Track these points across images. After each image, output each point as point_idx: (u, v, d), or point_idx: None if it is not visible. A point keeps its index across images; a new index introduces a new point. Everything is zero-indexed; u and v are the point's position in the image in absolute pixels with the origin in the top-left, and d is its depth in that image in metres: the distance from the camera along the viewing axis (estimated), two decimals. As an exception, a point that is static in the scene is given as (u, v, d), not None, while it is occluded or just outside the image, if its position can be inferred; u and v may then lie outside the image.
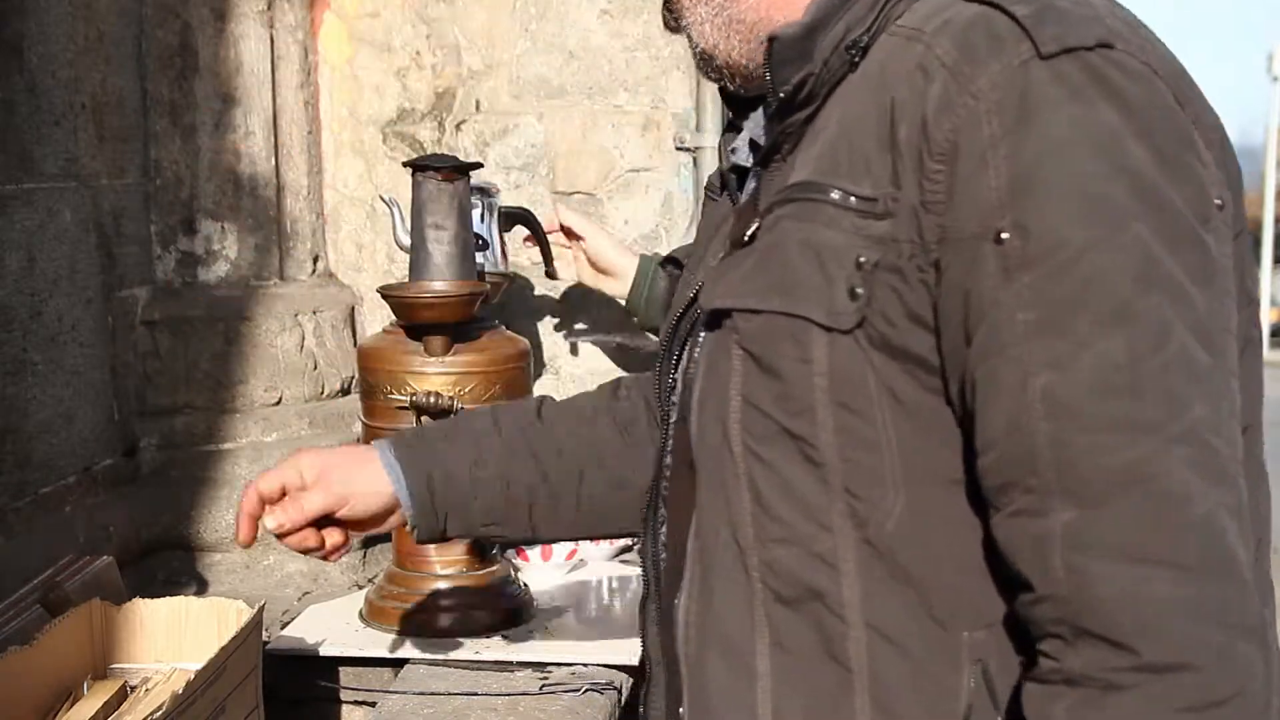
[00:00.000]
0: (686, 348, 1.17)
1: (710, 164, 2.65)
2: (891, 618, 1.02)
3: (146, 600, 1.76)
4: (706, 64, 1.17)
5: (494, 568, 2.15)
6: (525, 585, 2.20)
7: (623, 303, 2.32)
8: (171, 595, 1.81)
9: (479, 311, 2.12)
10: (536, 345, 2.63)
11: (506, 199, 2.54)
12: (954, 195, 0.94)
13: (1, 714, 1.48)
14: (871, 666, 1.03)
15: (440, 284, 2.15)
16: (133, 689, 1.67)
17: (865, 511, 1.01)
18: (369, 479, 1.33)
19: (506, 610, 2.11)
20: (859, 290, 0.98)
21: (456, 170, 2.18)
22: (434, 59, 2.67)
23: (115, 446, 2.28)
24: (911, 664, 1.02)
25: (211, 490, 2.35)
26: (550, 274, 2.52)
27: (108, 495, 2.22)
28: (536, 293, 2.69)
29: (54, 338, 2.08)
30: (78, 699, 1.61)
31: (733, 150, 1.20)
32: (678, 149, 2.63)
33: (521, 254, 2.60)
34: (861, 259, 0.98)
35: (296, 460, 1.33)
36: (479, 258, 2.29)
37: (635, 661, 1.96)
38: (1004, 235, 0.92)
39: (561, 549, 2.41)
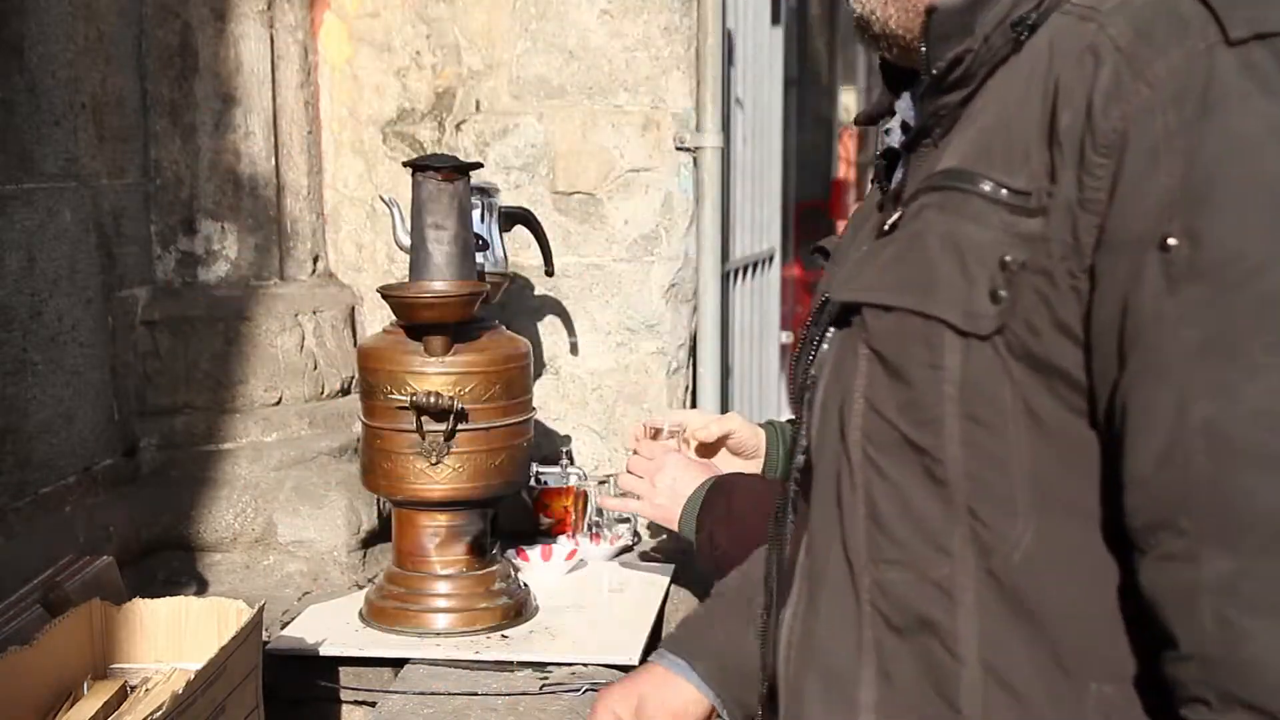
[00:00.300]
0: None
1: (710, 164, 2.65)
2: (1011, 660, 0.92)
3: (146, 600, 1.76)
4: (863, 31, 1.08)
5: (494, 568, 2.15)
6: (525, 585, 2.20)
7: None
8: (171, 595, 1.81)
9: (479, 311, 2.12)
10: (536, 345, 2.62)
11: (506, 199, 2.54)
12: (1117, 194, 0.85)
13: (1, 714, 1.48)
14: (985, 712, 0.93)
15: (440, 284, 2.15)
16: (133, 689, 1.67)
17: (989, 539, 0.92)
18: (679, 693, 1.33)
19: (506, 610, 2.11)
20: (1001, 293, 0.89)
21: (456, 170, 2.18)
22: (434, 59, 2.67)
23: (115, 446, 2.28)
24: (1029, 715, 0.92)
25: (211, 490, 2.35)
26: (550, 274, 2.52)
27: (108, 495, 2.22)
28: (536, 293, 2.69)
29: (54, 338, 2.08)
30: (78, 699, 1.61)
31: (887, 132, 1.10)
32: (678, 149, 2.63)
33: (521, 254, 2.60)
34: (1007, 258, 0.89)
35: (608, 704, 1.33)
36: (479, 258, 2.29)
37: (635, 661, 1.96)
38: (1171, 241, 0.82)
39: (561, 549, 2.41)
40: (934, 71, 0.98)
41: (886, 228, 1.00)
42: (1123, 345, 0.85)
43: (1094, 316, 0.87)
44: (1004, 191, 0.91)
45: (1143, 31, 0.86)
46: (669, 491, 2.00)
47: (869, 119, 1.14)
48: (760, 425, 2.18)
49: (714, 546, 1.89)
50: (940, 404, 0.92)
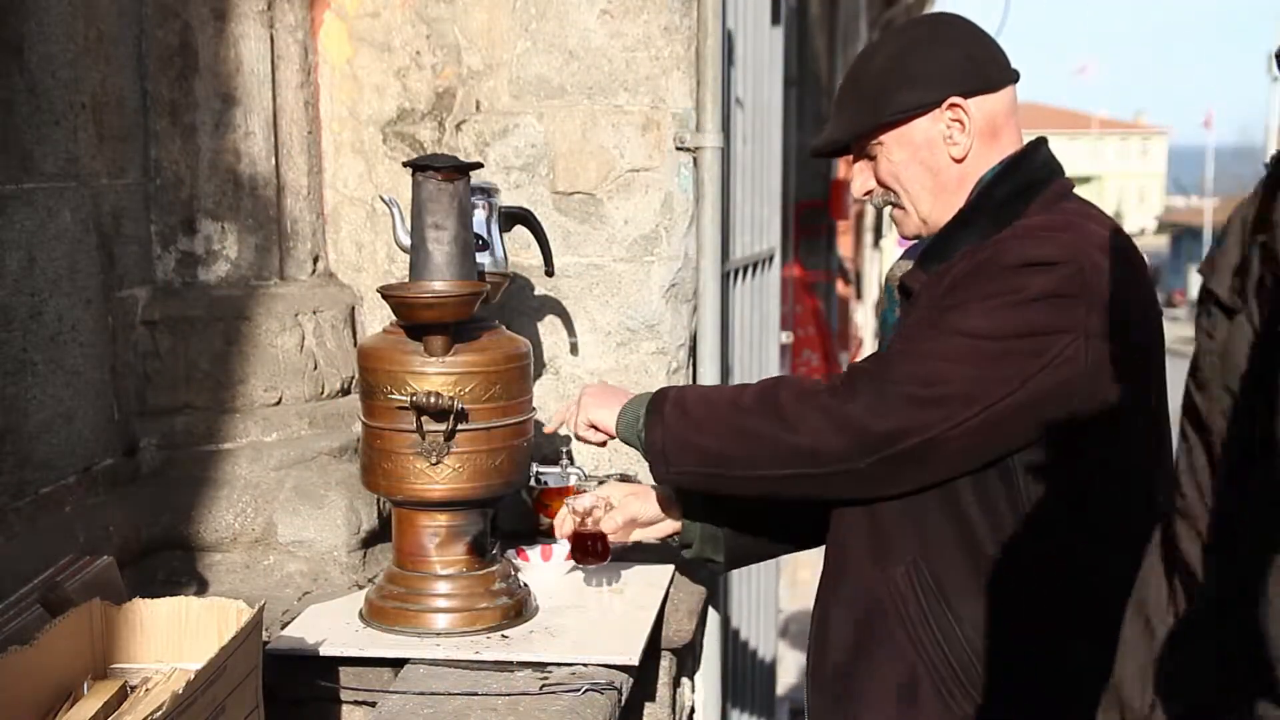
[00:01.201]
0: None
1: (710, 164, 2.65)
2: None
3: (146, 600, 1.75)
4: None
5: (494, 568, 2.15)
6: (525, 585, 2.20)
7: (676, 541, 2.16)
8: (171, 595, 1.80)
9: (479, 311, 2.12)
10: (536, 345, 2.62)
11: (506, 199, 2.54)
12: None
13: (1, 714, 1.48)
14: None
15: (440, 284, 2.15)
16: (133, 689, 1.67)
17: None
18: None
19: (506, 610, 2.11)
20: (1248, 268, 0.92)
21: (456, 170, 2.18)
22: (434, 59, 2.67)
23: (115, 446, 2.28)
24: None
25: (211, 490, 2.35)
26: (550, 274, 2.52)
27: (108, 495, 2.22)
28: (536, 293, 2.69)
29: (54, 338, 2.08)
30: (78, 699, 1.61)
31: None
32: (678, 149, 2.63)
33: (521, 254, 2.60)
34: (1259, 237, 0.90)
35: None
36: (479, 258, 2.29)
37: (635, 661, 1.96)
38: None
39: (561, 549, 2.41)
40: None
41: None
42: None
43: None
44: None
45: None
46: (596, 402, 2.01)
47: None
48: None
49: (665, 428, 1.87)
50: (1203, 371, 0.98)
